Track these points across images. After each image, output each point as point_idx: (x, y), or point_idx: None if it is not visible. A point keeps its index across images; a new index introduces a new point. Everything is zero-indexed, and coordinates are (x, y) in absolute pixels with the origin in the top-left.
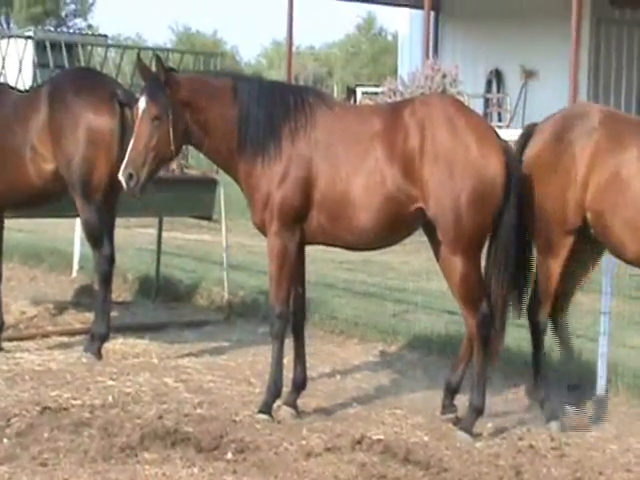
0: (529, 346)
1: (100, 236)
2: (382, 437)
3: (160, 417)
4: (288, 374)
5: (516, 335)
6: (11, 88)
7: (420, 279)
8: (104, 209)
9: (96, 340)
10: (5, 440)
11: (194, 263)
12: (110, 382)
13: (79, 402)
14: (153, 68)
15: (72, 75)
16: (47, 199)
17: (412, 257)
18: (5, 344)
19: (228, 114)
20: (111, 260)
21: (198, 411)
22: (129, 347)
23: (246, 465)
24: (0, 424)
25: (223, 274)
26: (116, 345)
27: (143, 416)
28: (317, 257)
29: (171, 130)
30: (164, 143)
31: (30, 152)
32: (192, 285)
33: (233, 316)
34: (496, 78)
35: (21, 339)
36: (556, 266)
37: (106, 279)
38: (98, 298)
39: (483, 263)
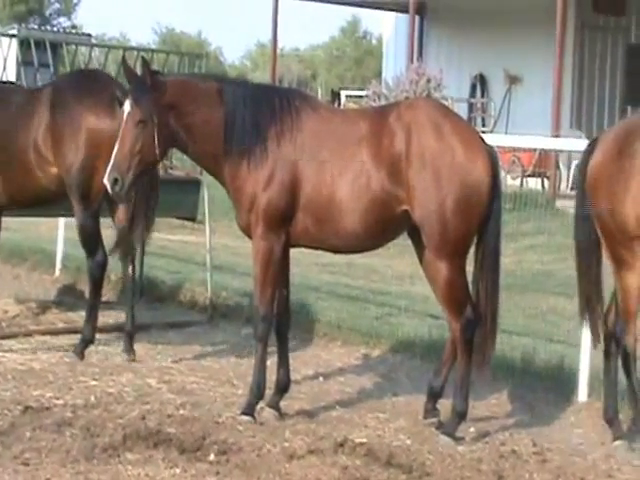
0: (512, 350)
1: (95, 242)
2: (365, 440)
3: (143, 418)
4: (271, 376)
5: (499, 340)
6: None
7: (404, 283)
8: (99, 215)
9: (81, 342)
10: None
11: (178, 264)
12: (93, 382)
13: (61, 402)
14: (138, 70)
15: (74, 77)
16: (55, 199)
17: (396, 261)
18: None
19: (214, 117)
20: (103, 266)
21: (181, 412)
22: (112, 347)
23: (228, 467)
24: None
25: (206, 275)
26: (99, 345)
27: (125, 417)
28: (301, 260)
29: (156, 134)
30: (149, 147)
31: (34, 154)
32: (175, 286)
33: (216, 318)
34: (480, 83)
35: (3, 338)
36: (632, 280)
37: (96, 284)
38: (88, 302)
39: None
